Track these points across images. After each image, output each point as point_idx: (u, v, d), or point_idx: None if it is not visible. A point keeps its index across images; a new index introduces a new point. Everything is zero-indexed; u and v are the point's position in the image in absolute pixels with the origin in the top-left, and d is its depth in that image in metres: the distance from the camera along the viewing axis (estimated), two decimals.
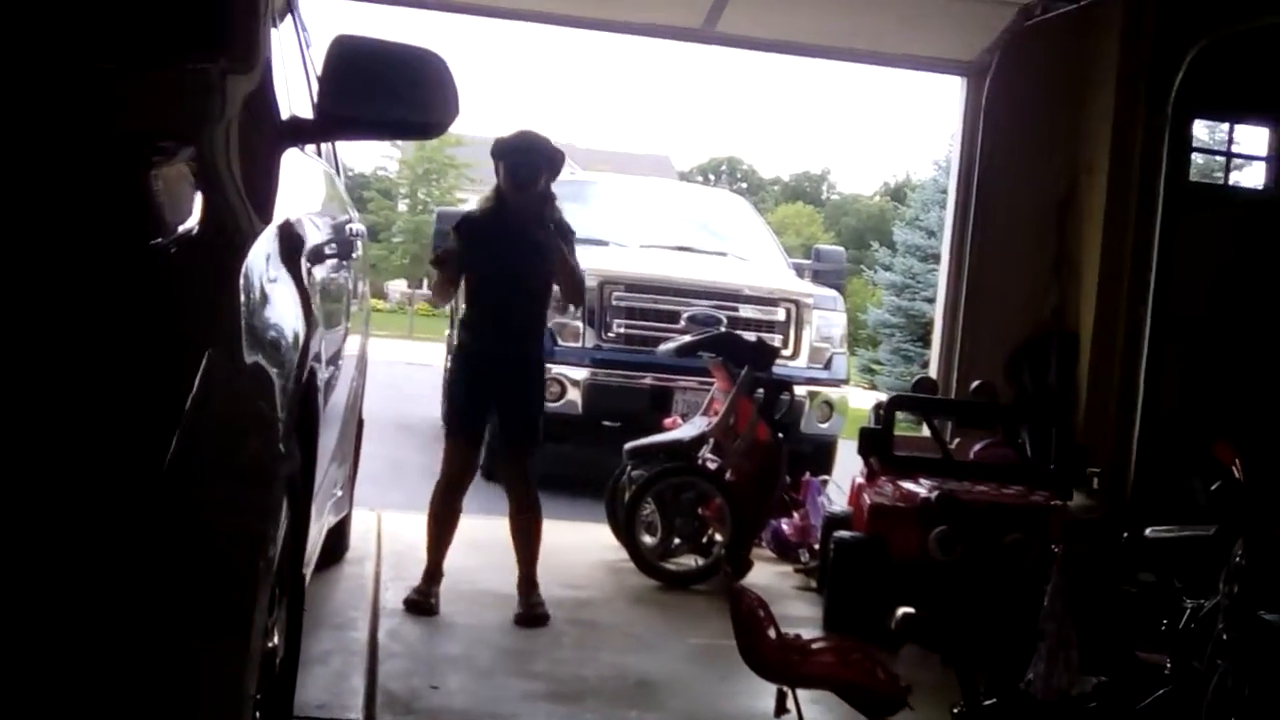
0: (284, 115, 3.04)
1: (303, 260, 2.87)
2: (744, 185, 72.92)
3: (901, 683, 3.79)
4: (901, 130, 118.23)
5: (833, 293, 9.98)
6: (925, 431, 6.81)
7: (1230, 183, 9.18)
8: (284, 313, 2.46)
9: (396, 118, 3.06)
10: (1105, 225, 7.68)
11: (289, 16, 3.90)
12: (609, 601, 5.90)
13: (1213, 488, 4.33)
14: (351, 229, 4.52)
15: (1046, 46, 7.91)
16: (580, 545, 6.76)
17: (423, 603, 5.33)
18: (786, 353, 9.06)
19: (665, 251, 10.16)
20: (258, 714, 2.43)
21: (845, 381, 10.03)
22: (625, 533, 6.47)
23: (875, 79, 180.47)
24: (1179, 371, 7.67)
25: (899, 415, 6.29)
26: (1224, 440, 4.41)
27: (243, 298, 2.15)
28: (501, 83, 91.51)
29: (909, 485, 5.63)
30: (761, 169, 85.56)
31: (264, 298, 2.31)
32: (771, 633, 3.80)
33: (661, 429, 7.23)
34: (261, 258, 2.34)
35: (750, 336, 7.68)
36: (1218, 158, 9.25)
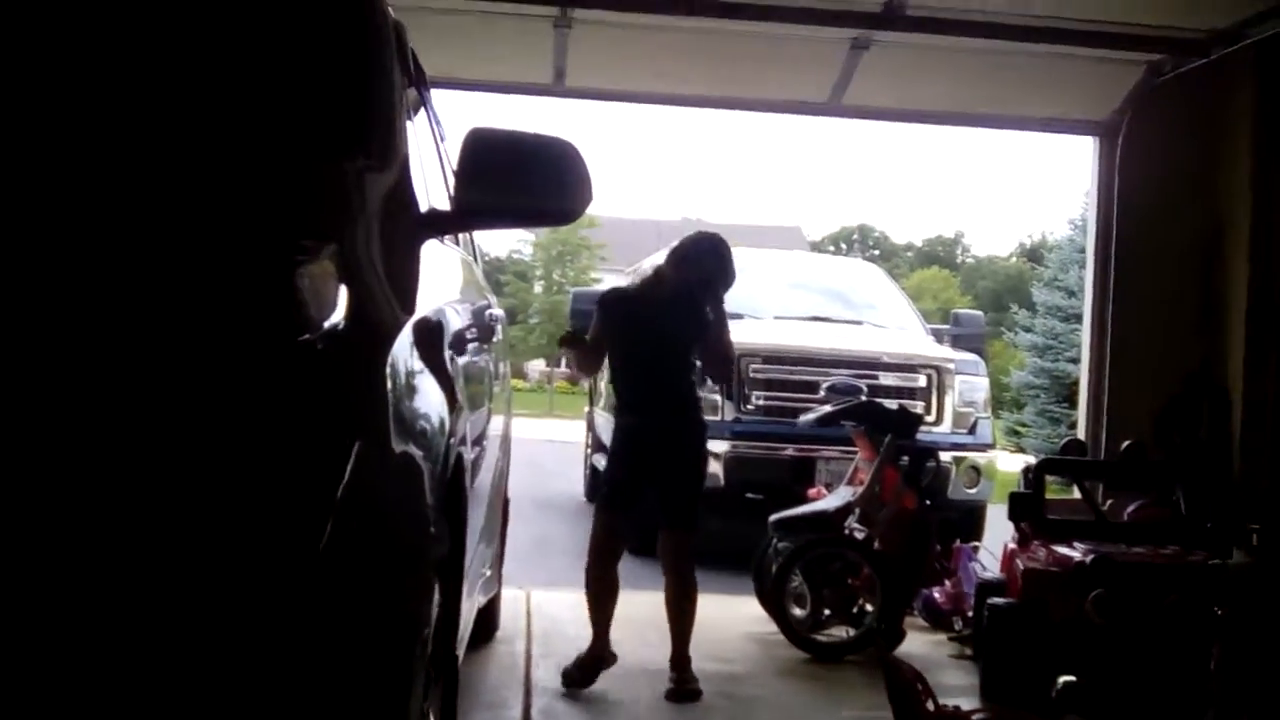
0: (422, 207, 3.12)
1: (445, 347, 2.93)
2: (876, 252, 72.73)
3: None
4: (1034, 190, 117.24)
5: (973, 357, 9.89)
6: (1076, 494, 6.67)
7: None
8: (430, 399, 2.51)
9: (531, 206, 3.13)
10: (1250, 278, 7.51)
11: (423, 109, 4.01)
12: (759, 675, 5.84)
13: None
14: (491, 314, 4.60)
15: (1179, 102, 7.80)
16: (728, 618, 6.73)
17: (579, 678, 5.33)
18: (930, 419, 8.99)
19: (801, 323, 10.16)
20: None
21: (991, 445, 9.90)
22: (774, 605, 6.42)
23: (1005, 139, 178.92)
24: None
25: (1049, 478, 6.19)
26: None
27: (389, 387, 2.20)
28: (630, 163, 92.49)
29: (1063, 549, 5.52)
30: (894, 235, 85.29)
31: (410, 386, 2.36)
32: (930, 704, 3.75)
33: (805, 500, 7.17)
34: (405, 347, 2.40)
35: (891, 404, 7.62)
36: None
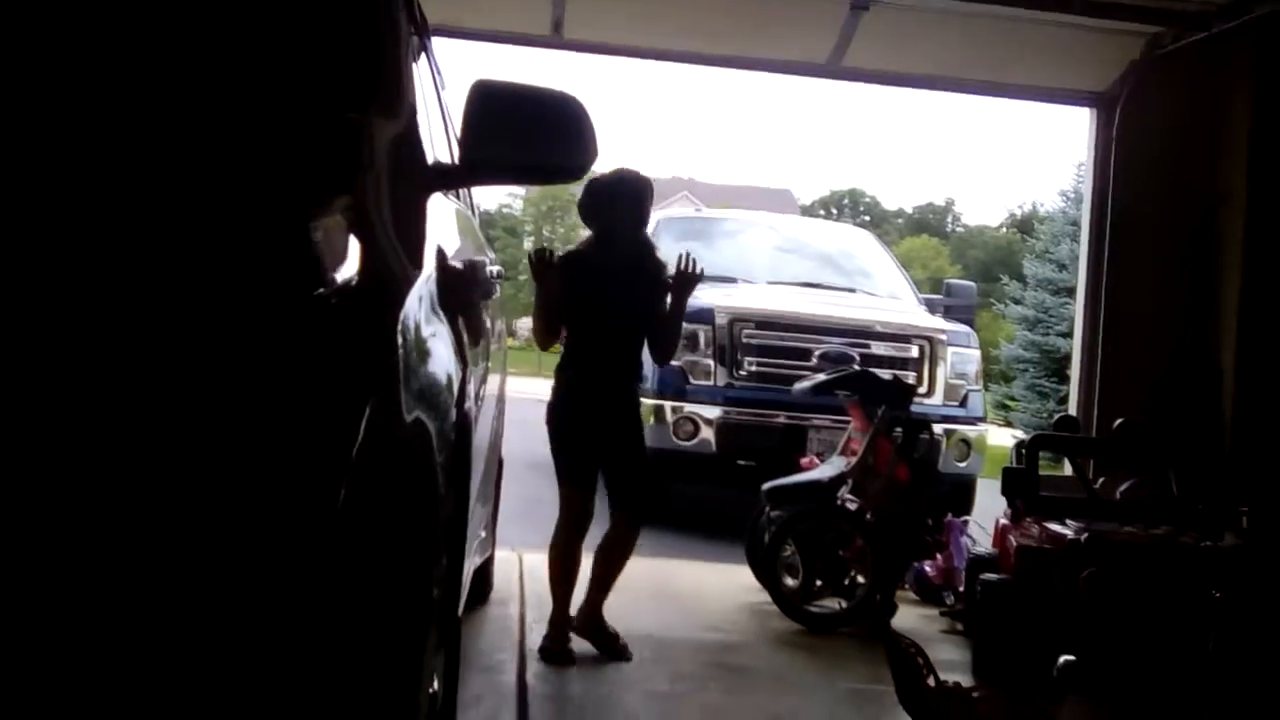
0: (429, 160, 3.06)
1: (453, 304, 2.87)
2: (867, 218, 72.75)
3: None
4: (1025, 160, 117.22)
5: (966, 328, 9.85)
6: (1067, 470, 6.66)
7: None
8: (439, 357, 2.46)
9: (538, 162, 3.08)
10: (1244, 254, 7.49)
11: (424, 57, 3.93)
12: (754, 645, 5.82)
13: None
14: (491, 270, 4.54)
15: (1178, 75, 7.77)
16: (721, 587, 6.71)
17: (559, 650, 5.28)
18: (921, 390, 8.95)
19: (794, 288, 10.11)
20: None
21: (982, 419, 9.88)
22: (767, 575, 6.41)
23: (997, 108, 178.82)
24: None
25: (1040, 454, 6.17)
26: None
27: (401, 344, 2.15)
28: (624, 119, 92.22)
29: (1055, 527, 5.51)
30: (884, 200, 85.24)
31: (420, 344, 2.31)
32: (930, 680, 3.72)
33: (797, 468, 7.14)
34: (416, 304, 2.35)
35: (885, 374, 7.59)
36: None
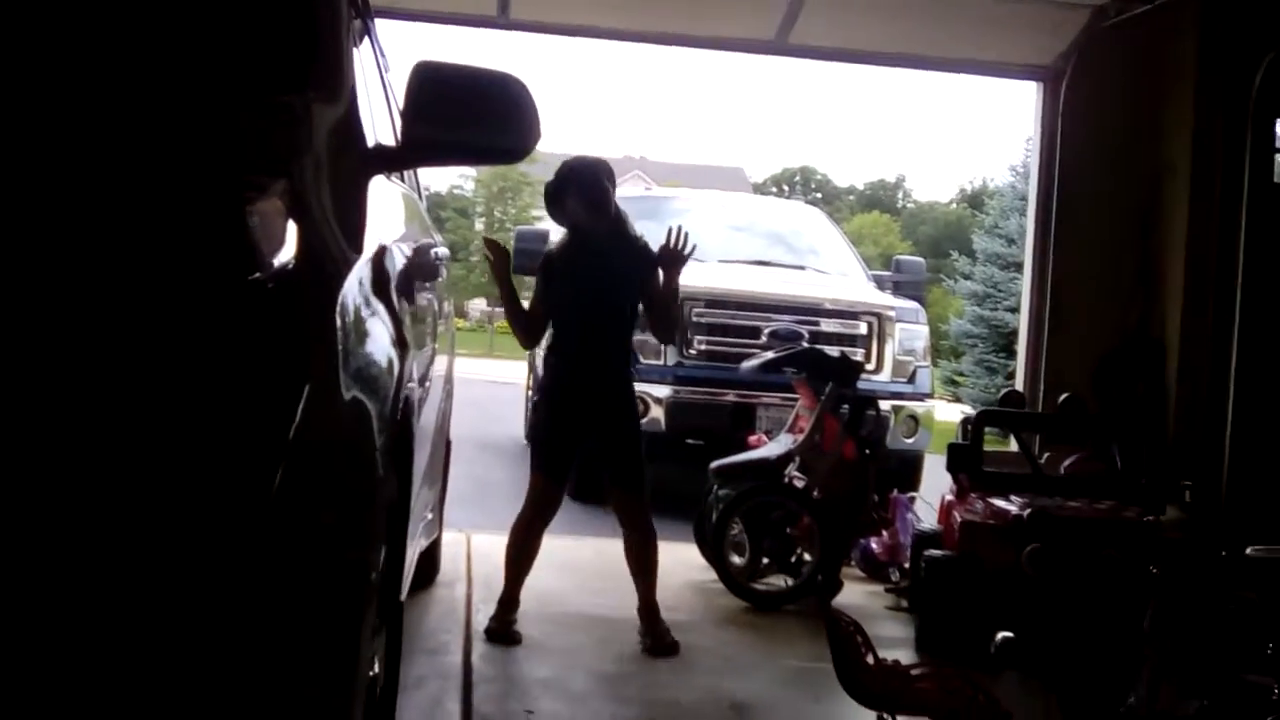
0: (369, 142, 3.05)
1: (394, 287, 2.87)
2: (818, 195, 72.84)
3: (1002, 709, 3.72)
4: (976, 135, 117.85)
5: (914, 305, 9.90)
6: (1013, 446, 6.71)
7: None
8: (379, 341, 2.46)
9: (480, 143, 3.08)
10: (1189, 229, 7.56)
11: (366, 39, 3.92)
12: (699, 623, 5.84)
13: None
14: (436, 252, 4.53)
15: (1123, 49, 7.82)
16: (667, 566, 6.69)
17: (504, 631, 5.28)
18: (870, 367, 9.01)
19: (744, 266, 10.13)
20: None
21: (930, 395, 9.95)
22: (714, 554, 6.43)
23: (947, 84, 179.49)
24: (1270, 378, 7.52)
25: (986, 430, 6.22)
26: None
27: (339, 327, 2.15)
28: (574, 100, 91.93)
29: (1000, 502, 5.55)
30: (836, 178, 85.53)
31: (359, 326, 2.31)
32: (870, 658, 3.75)
33: (746, 446, 7.17)
34: (355, 287, 2.34)
35: (833, 351, 7.62)
36: None
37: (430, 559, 5.73)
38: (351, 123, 2.89)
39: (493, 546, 6.53)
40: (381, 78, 4.16)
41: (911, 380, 9.48)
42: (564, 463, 5.46)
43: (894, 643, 5.36)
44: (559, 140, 33.29)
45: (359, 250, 2.51)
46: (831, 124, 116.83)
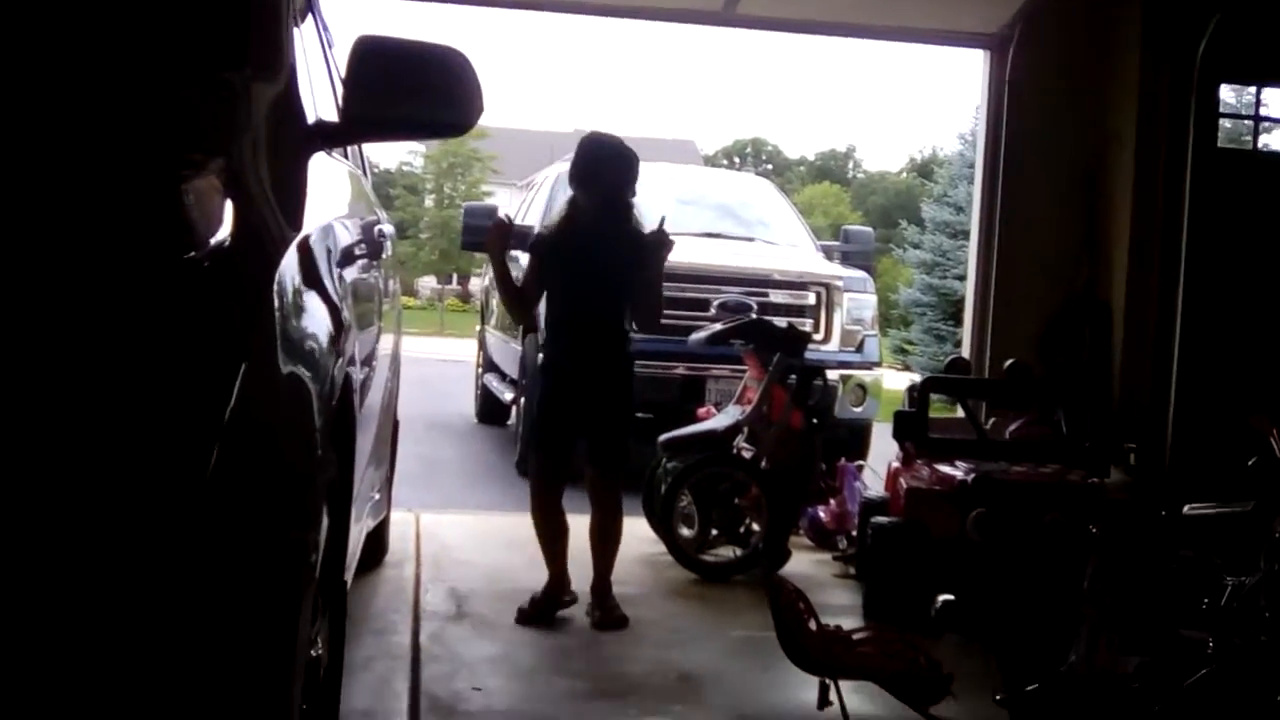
0: (310, 119, 3.04)
1: (333, 265, 2.87)
2: (769, 167, 72.89)
3: (944, 671, 3.78)
4: (926, 104, 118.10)
5: (862, 274, 9.94)
6: (960, 412, 6.77)
7: (1260, 146, 9.06)
8: (317, 319, 2.46)
9: (422, 118, 3.09)
10: (1134, 194, 7.63)
11: (310, 16, 3.90)
12: (648, 596, 5.87)
13: (1250, 462, 4.31)
14: (380, 229, 4.52)
15: (1068, 16, 7.88)
16: None
17: (549, 609, 5.32)
18: (818, 337, 9.04)
19: (693, 239, 10.12)
20: None
21: (878, 364, 9.99)
22: (662, 526, 6.46)
23: (897, 54, 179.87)
24: (1214, 342, 7.61)
25: (933, 397, 6.26)
26: (1260, 413, 4.38)
27: (276, 306, 2.15)
28: (521, 73, 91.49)
29: (945, 468, 5.60)
30: (787, 149, 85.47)
31: (297, 305, 2.31)
32: (812, 624, 3.79)
33: (695, 419, 7.19)
34: (293, 266, 2.34)
35: (781, 322, 7.65)
36: (1246, 122, 9.16)
37: (378, 539, 5.73)
38: (291, 99, 2.88)
39: (441, 526, 6.53)
40: (325, 54, 4.14)
41: (860, 349, 9.52)
42: (561, 440, 5.46)
43: (842, 610, 5.40)
44: (507, 115, 33.22)
45: (298, 228, 2.51)
46: (782, 95, 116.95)
